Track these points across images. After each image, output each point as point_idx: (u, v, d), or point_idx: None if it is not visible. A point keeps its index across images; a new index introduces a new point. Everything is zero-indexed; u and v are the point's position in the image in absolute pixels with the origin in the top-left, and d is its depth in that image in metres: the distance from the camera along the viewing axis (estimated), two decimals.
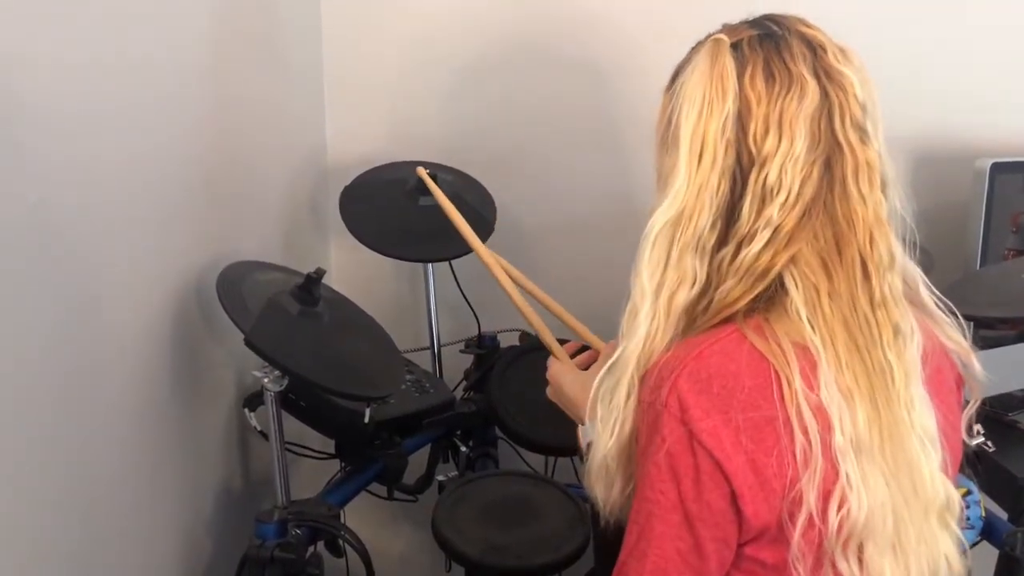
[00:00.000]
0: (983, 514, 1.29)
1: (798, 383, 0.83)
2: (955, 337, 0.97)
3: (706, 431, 0.82)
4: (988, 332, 1.65)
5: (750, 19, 0.94)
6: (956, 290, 1.43)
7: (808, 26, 0.92)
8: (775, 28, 0.91)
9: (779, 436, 0.83)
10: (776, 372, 0.84)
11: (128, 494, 1.18)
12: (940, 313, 0.97)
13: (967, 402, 1.00)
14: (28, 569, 0.98)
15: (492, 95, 1.90)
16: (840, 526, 0.83)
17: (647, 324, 0.89)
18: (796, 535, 0.83)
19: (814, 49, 0.89)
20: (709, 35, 0.93)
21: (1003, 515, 1.39)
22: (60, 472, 1.02)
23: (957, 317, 0.98)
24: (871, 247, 0.88)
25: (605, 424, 0.92)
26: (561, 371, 1.20)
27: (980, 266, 1.62)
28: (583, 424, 1.07)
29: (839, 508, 0.83)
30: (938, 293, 0.98)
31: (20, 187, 0.93)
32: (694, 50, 0.94)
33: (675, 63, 0.98)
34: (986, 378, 0.98)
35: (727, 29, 0.93)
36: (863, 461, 0.84)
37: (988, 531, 1.31)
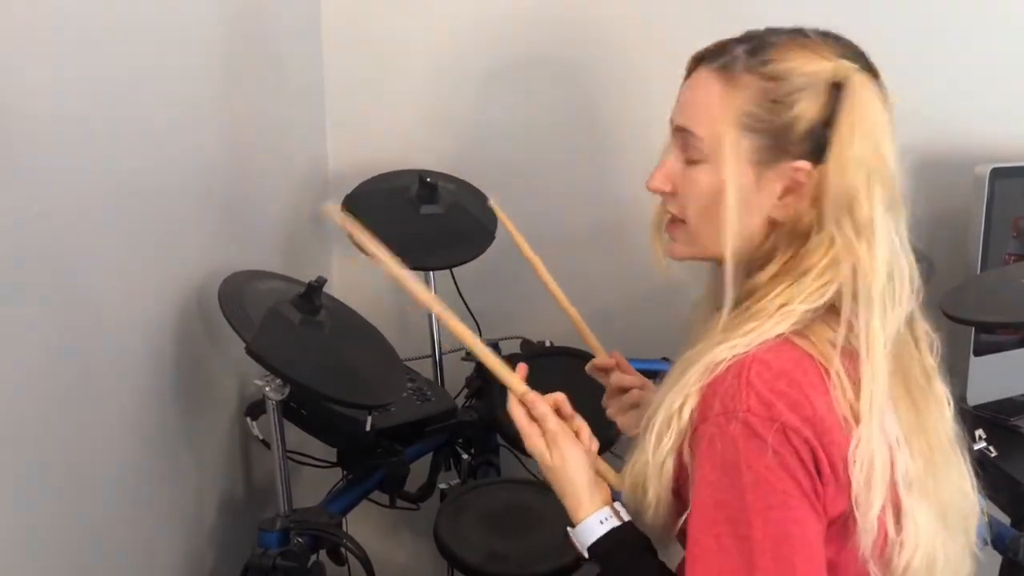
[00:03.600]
0: (985, 519, 1.29)
1: (844, 379, 0.86)
2: None
3: (797, 421, 0.83)
4: (989, 337, 1.65)
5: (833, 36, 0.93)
6: (957, 295, 1.43)
7: None
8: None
9: (840, 428, 0.85)
10: (823, 368, 0.86)
11: (130, 503, 1.18)
12: None
13: None
14: None
15: (493, 104, 1.90)
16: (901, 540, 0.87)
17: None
18: (872, 509, 0.84)
19: None
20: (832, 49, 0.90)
21: (1006, 520, 1.39)
22: (62, 482, 1.02)
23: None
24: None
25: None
26: (571, 442, 0.98)
27: (981, 271, 1.62)
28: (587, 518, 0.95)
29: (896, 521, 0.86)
30: None
31: (21, 199, 0.93)
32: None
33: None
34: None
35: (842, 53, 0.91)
36: (915, 494, 0.88)
37: (990, 536, 1.31)
